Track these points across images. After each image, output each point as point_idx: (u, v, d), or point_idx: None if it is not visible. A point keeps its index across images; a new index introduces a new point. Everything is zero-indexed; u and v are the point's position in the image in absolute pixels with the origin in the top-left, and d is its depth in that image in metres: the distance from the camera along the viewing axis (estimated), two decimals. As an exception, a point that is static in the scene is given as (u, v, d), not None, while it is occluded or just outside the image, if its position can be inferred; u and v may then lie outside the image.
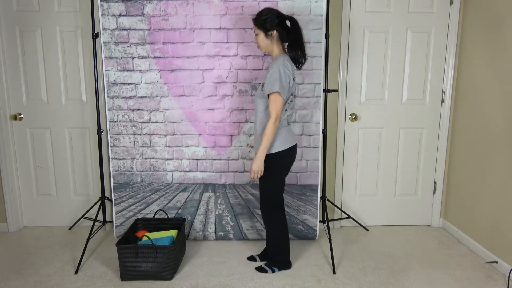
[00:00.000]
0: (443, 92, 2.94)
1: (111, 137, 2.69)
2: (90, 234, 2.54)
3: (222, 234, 2.80)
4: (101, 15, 2.54)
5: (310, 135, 2.71)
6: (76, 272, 2.34)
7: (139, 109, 2.67)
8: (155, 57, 2.61)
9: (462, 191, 2.82)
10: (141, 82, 2.63)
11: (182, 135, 2.70)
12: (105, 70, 2.61)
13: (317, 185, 2.75)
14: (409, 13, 2.82)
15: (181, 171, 2.74)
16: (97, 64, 2.63)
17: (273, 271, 2.34)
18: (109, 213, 3.03)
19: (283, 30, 2.09)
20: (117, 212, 2.76)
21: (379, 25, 2.84)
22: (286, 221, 2.29)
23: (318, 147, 2.72)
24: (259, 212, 2.80)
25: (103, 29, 2.56)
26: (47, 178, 3.03)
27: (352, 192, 3.08)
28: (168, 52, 2.60)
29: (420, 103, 2.95)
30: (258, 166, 2.09)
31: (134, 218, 2.77)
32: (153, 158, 2.72)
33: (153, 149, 2.71)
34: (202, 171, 2.75)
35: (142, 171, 2.74)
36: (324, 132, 2.67)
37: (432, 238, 2.88)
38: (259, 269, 2.36)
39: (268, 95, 2.05)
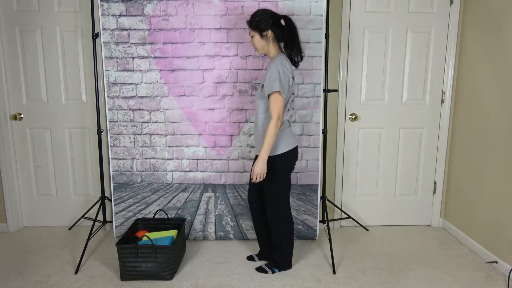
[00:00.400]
0: (443, 92, 2.94)
1: (111, 137, 2.69)
2: (90, 234, 2.54)
3: (222, 234, 2.80)
4: (101, 15, 2.54)
5: (310, 135, 2.71)
6: (76, 272, 2.34)
7: (139, 109, 2.67)
8: (155, 57, 2.61)
9: (462, 191, 2.82)
10: (142, 82, 2.64)
11: (182, 135, 2.70)
12: (105, 70, 2.61)
13: (317, 185, 2.76)
14: (409, 13, 2.83)
15: (181, 171, 2.74)
16: (97, 64, 2.63)
17: (273, 272, 2.34)
18: (109, 213, 3.03)
19: (278, 29, 2.09)
20: (116, 213, 2.76)
21: (379, 25, 2.84)
22: (292, 222, 2.29)
23: (318, 147, 2.72)
24: (259, 212, 2.80)
25: (103, 29, 2.56)
26: (47, 178, 3.03)
27: (352, 192, 3.08)
28: (168, 52, 2.60)
29: (420, 103, 2.95)
30: (261, 168, 2.05)
31: (134, 218, 2.77)
32: (153, 158, 2.72)
33: (153, 149, 2.71)
34: (202, 171, 2.75)
35: (142, 171, 2.74)
36: (324, 132, 2.67)
37: (432, 238, 2.88)
38: (259, 269, 2.36)
39: (269, 95, 2.05)
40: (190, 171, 2.75)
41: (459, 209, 2.86)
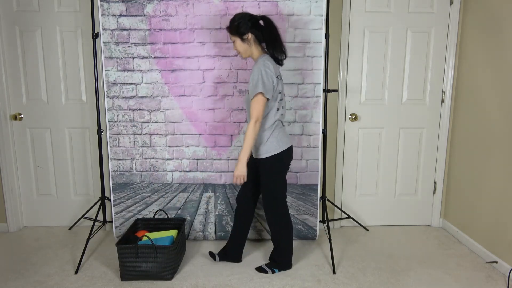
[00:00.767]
0: (443, 92, 2.94)
1: (110, 137, 2.69)
2: (90, 234, 2.53)
3: (222, 234, 2.80)
4: (101, 15, 2.54)
5: (310, 135, 2.71)
6: (76, 272, 2.34)
7: (139, 109, 2.67)
8: (155, 57, 2.61)
9: (462, 191, 2.82)
10: (142, 82, 2.63)
11: (182, 135, 2.70)
12: (105, 70, 2.61)
13: (317, 185, 2.76)
14: (409, 13, 2.83)
15: (181, 171, 2.74)
16: (97, 64, 2.63)
17: (273, 272, 2.34)
18: (109, 213, 3.03)
19: (258, 30, 2.09)
20: (116, 213, 2.76)
21: (379, 25, 2.84)
22: (291, 222, 2.29)
23: (318, 147, 2.72)
24: (259, 212, 2.80)
25: (103, 29, 2.56)
26: (47, 178, 3.03)
27: (352, 192, 3.08)
28: (168, 52, 2.60)
29: (420, 103, 2.95)
30: (240, 171, 2.06)
31: (134, 219, 2.77)
32: (153, 158, 2.72)
33: (153, 149, 2.71)
34: (202, 171, 2.75)
35: (142, 171, 2.74)
36: (324, 132, 2.67)
37: (432, 238, 2.88)
38: (259, 269, 2.36)
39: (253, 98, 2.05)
40: (190, 171, 2.75)
41: (459, 209, 2.86)
